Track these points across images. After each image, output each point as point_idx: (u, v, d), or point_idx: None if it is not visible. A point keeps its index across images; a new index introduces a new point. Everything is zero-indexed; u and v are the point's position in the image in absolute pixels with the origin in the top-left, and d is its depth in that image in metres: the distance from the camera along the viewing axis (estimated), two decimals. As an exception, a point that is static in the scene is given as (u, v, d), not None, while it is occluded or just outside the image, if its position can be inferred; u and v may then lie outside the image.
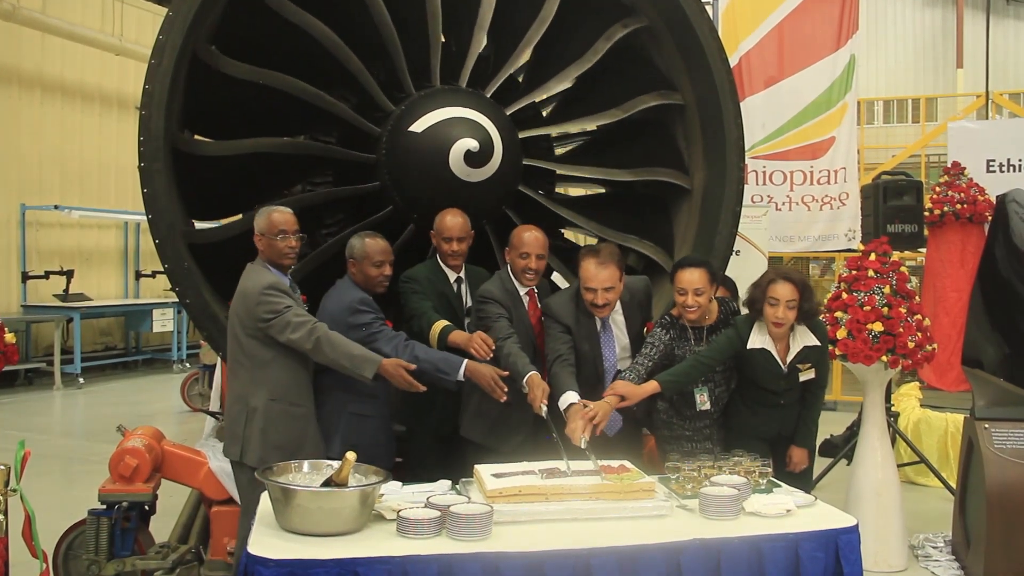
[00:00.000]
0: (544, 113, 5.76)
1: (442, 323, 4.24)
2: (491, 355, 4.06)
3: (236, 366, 4.04)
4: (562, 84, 5.36)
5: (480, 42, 5.10)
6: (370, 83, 4.71)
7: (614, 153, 5.48)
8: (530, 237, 4.39)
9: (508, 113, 4.98)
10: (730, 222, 5.19)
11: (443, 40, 5.14)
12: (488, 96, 4.96)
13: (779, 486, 3.71)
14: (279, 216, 4.06)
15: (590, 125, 5.69)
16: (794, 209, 9.99)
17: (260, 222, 4.06)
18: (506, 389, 4.00)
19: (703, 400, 4.36)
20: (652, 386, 4.14)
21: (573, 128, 5.68)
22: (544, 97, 5.66)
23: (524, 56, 5.30)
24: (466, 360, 4.07)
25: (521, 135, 5.02)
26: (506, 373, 4.03)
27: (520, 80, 5.64)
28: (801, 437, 4.43)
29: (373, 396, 4.21)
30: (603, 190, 6.01)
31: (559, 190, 5.80)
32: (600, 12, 5.23)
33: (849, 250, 9.72)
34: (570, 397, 4.00)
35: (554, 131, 5.61)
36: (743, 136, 5.23)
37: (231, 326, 4.05)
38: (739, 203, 5.20)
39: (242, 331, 3.97)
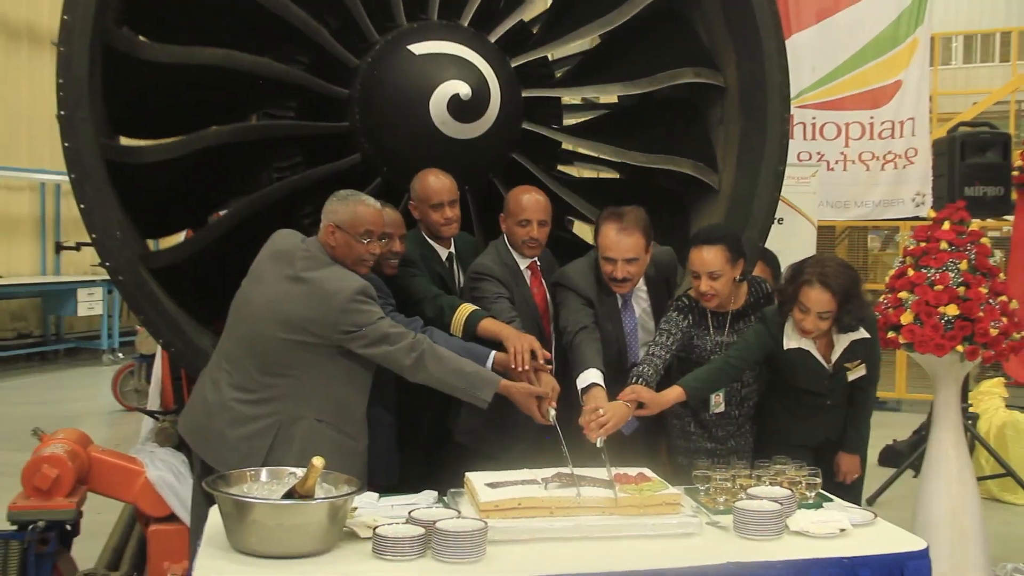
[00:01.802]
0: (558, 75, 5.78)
1: (469, 308, 4.20)
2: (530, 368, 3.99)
3: (264, 371, 3.83)
4: (582, 41, 5.36)
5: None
6: (354, 2, 4.73)
7: (635, 128, 5.49)
8: (530, 200, 4.41)
9: (514, 65, 4.99)
10: (771, 184, 5.17)
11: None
12: (492, 41, 4.97)
13: (830, 500, 3.74)
14: (367, 212, 3.89)
15: (611, 96, 5.69)
16: (850, 169, 9.98)
17: (340, 212, 3.88)
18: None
19: (718, 401, 4.37)
20: (676, 393, 4.13)
21: (589, 94, 5.68)
22: (560, 55, 5.67)
23: (540, 5, 5.31)
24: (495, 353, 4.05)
25: (525, 93, 5.04)
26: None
27: (534, 33, 5.64)
28: (850, 442, 4.45)
29: (385, 401, 4.19)
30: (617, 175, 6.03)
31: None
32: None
33: (917, 218, 9.70)
34: (591, 376, 4.02)
35: (566, 95, 5.60)
36: (788, 81, 5.21)
37: (265, 321, 3.82)
38: (782, 162, 5.19)
39: (294, 333, 3.77)
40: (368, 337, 3.75)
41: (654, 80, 5.27)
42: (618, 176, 6.02)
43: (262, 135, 4.82)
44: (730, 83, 5.32)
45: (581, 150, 5.51)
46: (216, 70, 4.55)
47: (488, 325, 4.13)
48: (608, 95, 5.72)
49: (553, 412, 3.88)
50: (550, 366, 4.10)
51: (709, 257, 4.23)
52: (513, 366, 3.96)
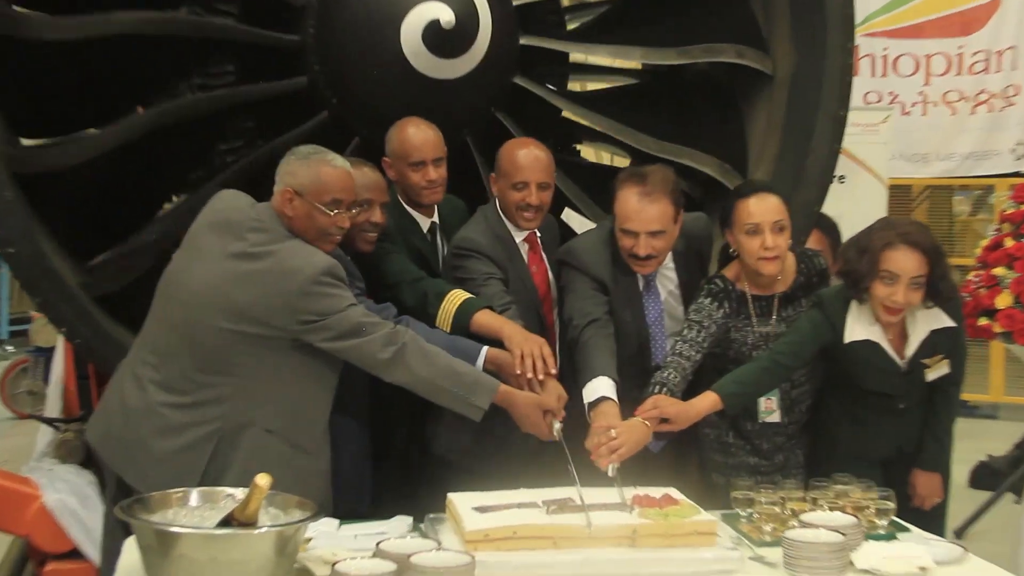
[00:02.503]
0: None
1: (461, 295, 4.19)
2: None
3: (202, 368, 3.80)
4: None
5: None
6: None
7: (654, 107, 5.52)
8: (527, 157, 4.41)
9: (516, 3, 5.02)
10: (830, 135, 5.18)
11: None
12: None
13: (907, 530, 3.75)
14: (334, 176, 3.87)
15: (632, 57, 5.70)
16: (931, 113, 10.01)
17: (300, 174, 3.84)
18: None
19: (769, 406, 4.37)
20: (710, 402, 4.11)
21: (602, 55, 5.71)
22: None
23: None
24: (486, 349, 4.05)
25: (524, 40, 5.09)
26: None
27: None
28: (928, 457, 4.41)
29: (353, 408, 4.19)
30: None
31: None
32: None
33: (1018, 174, 9.74)
34: (601, 387, 4.01)
35: (575, 51, 5.66)
36: (852, 3, 5.20)
37: (204, 306, 3.78)
38: (844, 105, 5.19)
39: (241, 322, 3.74)
40: (334, 329, 3.73)
41: (686, 52, 5.28)
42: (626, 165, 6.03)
43: (189, 33, 4.80)
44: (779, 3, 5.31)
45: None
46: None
47: (486, 319, 4.11)
48: (626, 60, 5.68)
49: (558, 426, 3.90)
50: (555, 370, 4.08)
51: (770, 205, 4.19)
52: (519, 372, 3.95)
